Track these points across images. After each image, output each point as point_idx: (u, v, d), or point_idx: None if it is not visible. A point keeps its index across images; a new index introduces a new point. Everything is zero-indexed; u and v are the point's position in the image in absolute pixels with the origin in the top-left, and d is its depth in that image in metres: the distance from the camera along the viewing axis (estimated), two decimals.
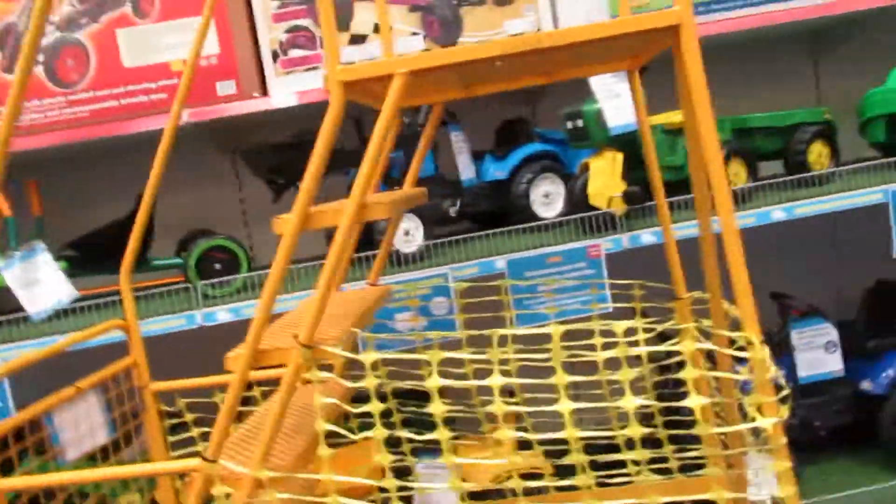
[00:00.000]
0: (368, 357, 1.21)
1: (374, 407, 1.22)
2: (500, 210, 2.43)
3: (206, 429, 1.84)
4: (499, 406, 1.18)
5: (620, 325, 1.18)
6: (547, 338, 1.18)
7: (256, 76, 2.33)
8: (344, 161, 2.19)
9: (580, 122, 2.15)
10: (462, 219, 2.44)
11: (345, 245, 1.22)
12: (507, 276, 2.09)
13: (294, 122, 2.35)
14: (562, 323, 1.19)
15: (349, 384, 1.26)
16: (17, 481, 1.41)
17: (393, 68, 1.20)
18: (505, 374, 1.20)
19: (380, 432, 1.24)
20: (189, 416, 1.91)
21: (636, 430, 1.15)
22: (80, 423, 1.68)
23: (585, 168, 2.15)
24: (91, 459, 1.75)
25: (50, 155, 2.41)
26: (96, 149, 2.45)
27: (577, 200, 2.16)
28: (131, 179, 2.37)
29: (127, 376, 1.83)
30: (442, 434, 1.20)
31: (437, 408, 1.19)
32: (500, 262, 2.09)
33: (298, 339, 1.22)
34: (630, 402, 1.14)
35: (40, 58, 2.21)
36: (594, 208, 2.10)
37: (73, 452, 1.65)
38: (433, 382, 1.19)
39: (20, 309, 2.15)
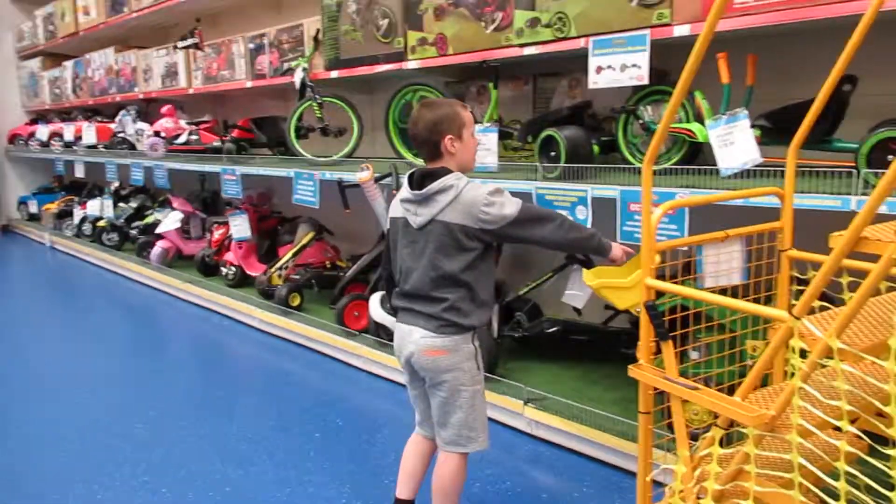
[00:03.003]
0: None
1: None
2: None
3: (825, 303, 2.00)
4: None
5: None
6: None
7: None
8: None
9: None
10: None
11: None
12: None
13: None
14: None
15: None
16: (672, 286, 1.89)
17: None
18: None
19: None
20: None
21: None
22: (722, 262, 2.07)
23: None
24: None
25: (769, 32, 2.68)
26: (811, 28, 2.60)
27: None
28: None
29: (771, 237, 2.12)
30: None
31: None
32: None
33: None
34: None
35: None
36: None
37: (710, 282, 2.08)
38: None
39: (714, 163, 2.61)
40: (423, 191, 2.14)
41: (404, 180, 2.25)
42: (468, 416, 2.20)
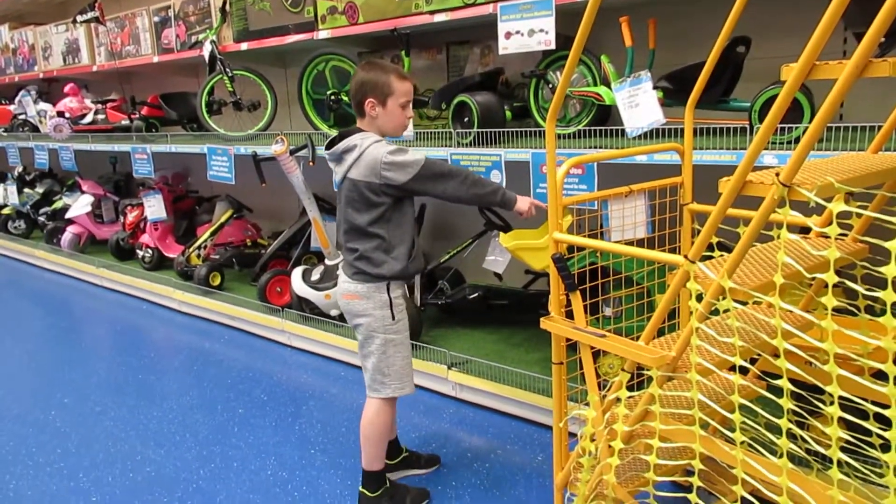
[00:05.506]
0: (836, 207, 1.28)
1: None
2: None
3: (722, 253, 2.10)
4: None
5: None
6: None
7: None
8: None
9: None
10: None
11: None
12: None
13: None
14: None
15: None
16: (577, 239, 1.94)
17: None
18: None
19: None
20: (714, 239, 2.18)
21: None
22: (627, 216, 2.15)
23: None
24: None
25: None
26: None
27: None
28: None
29: (674, 192, 2.21)
30: None
31: None
32: None
33: (779, 176, 1.37)
34: None
35: None
36: None
37: (616, 236, 2.15)
38: None
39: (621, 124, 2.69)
40: (332, 150, 2.29)
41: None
42: (380, 362, 2.34)
